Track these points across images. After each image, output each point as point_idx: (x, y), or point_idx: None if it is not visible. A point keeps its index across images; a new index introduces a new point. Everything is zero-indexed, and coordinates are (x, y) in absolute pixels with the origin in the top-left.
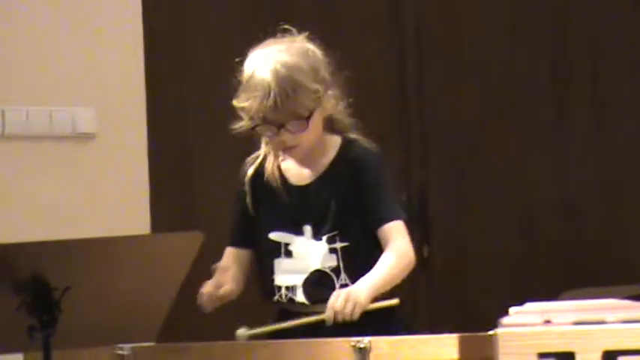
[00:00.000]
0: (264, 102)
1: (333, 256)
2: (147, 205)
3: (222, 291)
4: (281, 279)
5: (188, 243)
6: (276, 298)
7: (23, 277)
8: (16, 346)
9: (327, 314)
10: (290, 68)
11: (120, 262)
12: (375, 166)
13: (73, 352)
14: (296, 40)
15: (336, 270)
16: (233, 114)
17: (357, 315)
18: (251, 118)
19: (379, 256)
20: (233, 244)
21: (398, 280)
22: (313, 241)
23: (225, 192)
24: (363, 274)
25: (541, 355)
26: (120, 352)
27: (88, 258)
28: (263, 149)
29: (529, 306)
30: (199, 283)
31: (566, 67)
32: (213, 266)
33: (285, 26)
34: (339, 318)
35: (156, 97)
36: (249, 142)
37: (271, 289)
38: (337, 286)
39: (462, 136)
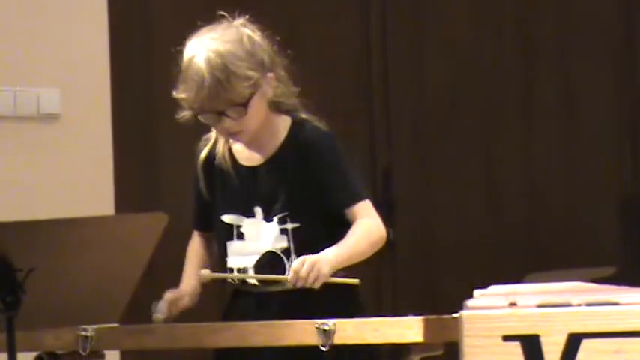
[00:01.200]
0: (200, 92)
1: (284, 237)
2: (111, 186)
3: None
4: (233, 261)
5: (153, 224)
6: (228, 280)
7: None
8: None
9: (290, 277)
10: (223, 56)
11: (84, 243)
12: (327, 146)
13: (37, 334)
14: (230, 27)
15: (287, 251)
16: None
17: (318, 284)
18: (190, 108)
19: (333, 238)
20: (195, 227)
21: (365, 256)
22: (264, 223)
23: (189, 174)
24: None
25: (505, 337)
26: (84, 333)
27: (53, 239)
28: (213, 131)
29: (494, 288)
30: (163, 264)
31: (534, 47)
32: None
33: (221, 12)
34: (300, 284)
35: (121, 77)
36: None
37: (224, 270)
38: (287, 267)
39: (427, 117)
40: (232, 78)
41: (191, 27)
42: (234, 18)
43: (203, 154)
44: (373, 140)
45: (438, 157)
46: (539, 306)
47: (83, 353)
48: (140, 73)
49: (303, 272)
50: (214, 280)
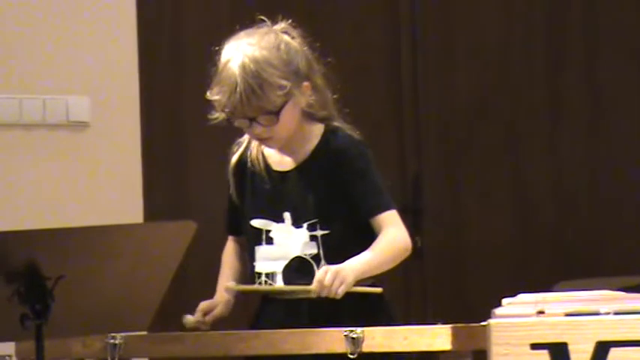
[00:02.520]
0: (232, 97)
1: (314, 243)
2: (140, 194)
3: (210, 317)
4: (261, 266)
5: (181, 232)
6: (256, 285)
7: (16, 265)
8: (9, 335)
9: (314, 287)
10: (258, 63)
11: (113, 251)
12: (358, 154)
13: (65, 341)
14: (270, 32)
15: (316, 258)
16: None
17: (341, 294)
18: (222, 111)
19: (362, 245)
20: (228, 232)
21: (389, 266)
22: (293, 229)
23: (219, 181)
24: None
25: (534, 345)
26: (112, 341)
27: (81, 247)
28: (246, 135)
29: (522, 297)
30: (192, 272)
31: (561, 52)
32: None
33: (261, 16)
34: (324, 293)
35: (150, 85)
36: (241, 131)
37: (252, 275)
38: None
39: (456, 125)
40: (265, 86)
41: (220, 34)
42: (275, 22)
43: (235, 158)
44: (402, 148)
45: (466, 165)
46: (568, 314)
47: None
48: (169, 81)
49: (327, 281)
50: (243, 292)
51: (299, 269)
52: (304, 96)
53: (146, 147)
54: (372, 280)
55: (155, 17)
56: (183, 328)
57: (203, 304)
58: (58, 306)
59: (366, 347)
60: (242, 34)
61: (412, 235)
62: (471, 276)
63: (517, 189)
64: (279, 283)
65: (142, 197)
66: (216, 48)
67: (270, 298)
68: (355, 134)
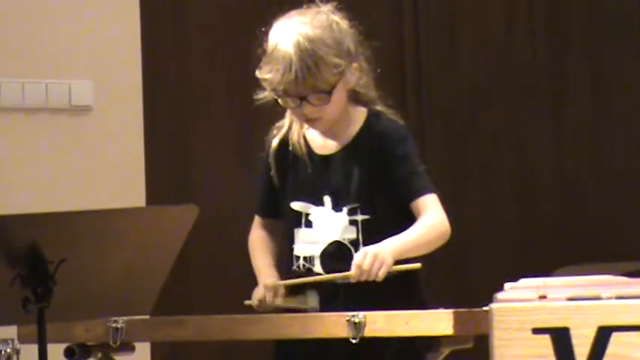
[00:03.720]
0: (286, 75)
1: (353, 228)
2: (142, 177)
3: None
4: (299, 248)
5: (183, 216)
6: (294, 267)
7: (18, 249)
8: (11, 318)
9: (354, 272)
10: (313, 42)
11: (115, 234)
12: (402, 139)
13: (68, 325)
14: (320, 12)
15: (355, 242)
16: (230, 87)
17: (382, 276)
18: (273, 90)
19: (401, 231)
20: (261, 214)
21: (427, 249)
22: (333, 212)
23: (222, 165)
24: None
25: (535, 330)
26: (114, 324)
27: (84, 230)
28: (287, 118)
29: (524, 281)
30: (196, 256)
31: (565, 37)
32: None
33: None
34: (364, 277)
35: (152, 69)
36: (247, 115)
37: (290, 258)
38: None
39: (458, 112)
40: (320, 64)
41: (224, 19)
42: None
43: (276, 141)
44: None
45: (469, 152)
46: (570, 299)
47: (114, 345)
48: (172, 65)
49: (366, 265)
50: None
51: (337, 253)
52: (353, 76)
53: (149, 131)
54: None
55: (159, 1)
56: (185, 312)
57: (269, 282)
58: (60, 290)
59: (368, 332)
60: (293, 12)
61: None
62: (473, 260)
63: (519, 175)
64: (317, 267)
65: (144, 181)
66: (262, 29)
67: (306, 284)
68: (397, 118)
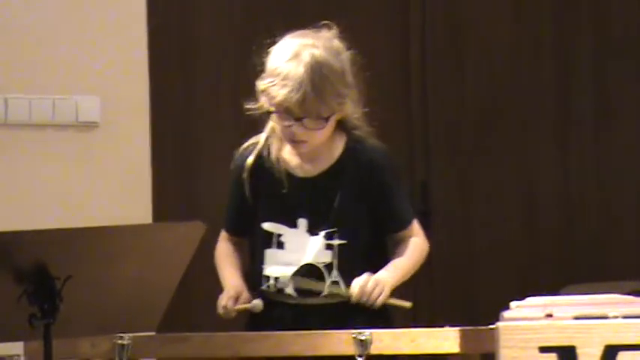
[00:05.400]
0: (293, 94)
1: (329, 252)
2: (149, 194)
3: (240, 301)
4: (271, 270)
5: (190, 233)
6: (264, 287)
7: (25, 265)
8: (17, 334)
9: (355, 293)
10: (326, 67)
11: (122, 251)
12: (388, 168)
13: (74, 342)
14: (334, 38)
15: (329, 266)
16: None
17: (379, 303)
18: (273, 104)
19: (375, 257)
20: (229, 231)
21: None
22: (307, 235)
23: (227, 182)
24: (356, 274)
25: (542, 349)
26: (120, 341)
27: (90, 247)
28: (263, 136)
29: (530, 300)
30: (201, 273)
31: (570, 58)
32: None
33: (325, 22)
34: (364, 299)
35: (159, 85)
36: (253, 131)
37: (259, 278)
38: (328, 282)
39: (464, 129)
40: (329, 91)
41: (230, 35)
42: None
43: (251, 159)
44: (411, 152)
45: (474, 169)
46: (576, 318)
47: None
48: (178, 81)
49: (368, 288)
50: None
51: (309, 276)
52: (350, 108)
53: (155, 147)
54: None
55: (165, 15)
56: (190, 329)
57: (231, 294)
58: (67, 306)
59: (374, 349)
60: (307, 32)
61: None
62: (479, 279)
63: (525, 193)
64: (289, 289)
65: (151, 198)
66: (268, 41)
67: (276, 302)
68: (377, 143)
